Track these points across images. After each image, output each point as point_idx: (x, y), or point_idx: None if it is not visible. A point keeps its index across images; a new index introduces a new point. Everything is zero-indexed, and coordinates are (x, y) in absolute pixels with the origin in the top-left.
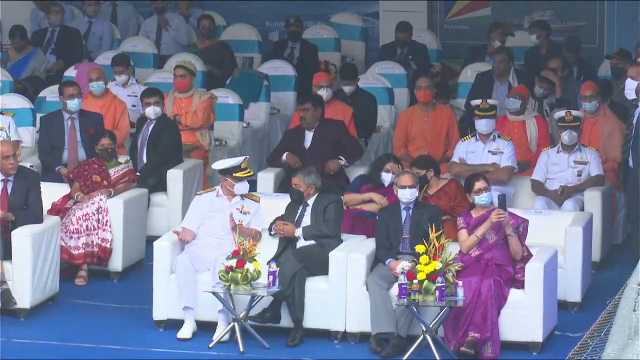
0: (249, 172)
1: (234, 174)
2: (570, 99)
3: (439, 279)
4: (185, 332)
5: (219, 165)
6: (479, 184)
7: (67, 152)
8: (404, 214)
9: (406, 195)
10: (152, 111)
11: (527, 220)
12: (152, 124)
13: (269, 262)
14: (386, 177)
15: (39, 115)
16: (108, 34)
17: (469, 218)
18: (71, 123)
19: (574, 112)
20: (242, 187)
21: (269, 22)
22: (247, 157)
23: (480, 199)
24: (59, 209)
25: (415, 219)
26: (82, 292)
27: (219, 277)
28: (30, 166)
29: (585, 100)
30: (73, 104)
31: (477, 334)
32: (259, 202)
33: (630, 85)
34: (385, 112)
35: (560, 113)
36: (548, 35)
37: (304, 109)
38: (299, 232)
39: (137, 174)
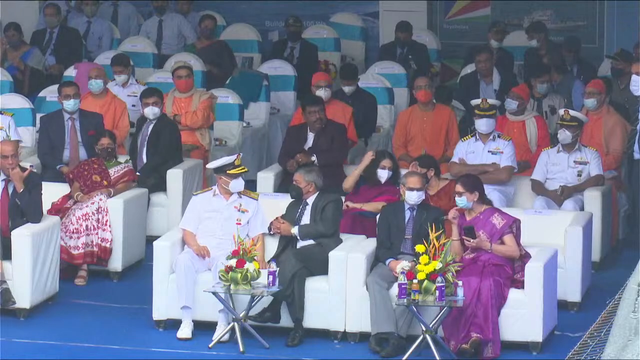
0: (243, 168)
1: (228, 172)
2: (566, 95)
3: (439, 278)
4: (186, 331)
5: (213, 164)
6: (456, 187)
7: (68, 152)
8: (407, 214)
9: (413, 197)
10: (150, 111)
11: (519, 220)
12: (152, 124)
13: (268, 262)
14: (382, 174)
15: (38, 115)
16: (107, 34)
17: (462, 220)
18: (71, 123)
19: (572, 112)
20: (238, 185)
21: (268, 22)
22: (241, 153)
23: (458, 202)
24: (58, 209)
25: (418, 220)
26: (82, 292)
27: (219, 277)
28: (30, 166)
29: (584, 96)
30: (69, 104)
31: (479, 335)
32: (257, 199)
33: (635, 82)
34: (385, 112)
35: (560, 111)
36: (546, 35)
37: (320, 109)
38: (295, 230)
39: (137, 173)
